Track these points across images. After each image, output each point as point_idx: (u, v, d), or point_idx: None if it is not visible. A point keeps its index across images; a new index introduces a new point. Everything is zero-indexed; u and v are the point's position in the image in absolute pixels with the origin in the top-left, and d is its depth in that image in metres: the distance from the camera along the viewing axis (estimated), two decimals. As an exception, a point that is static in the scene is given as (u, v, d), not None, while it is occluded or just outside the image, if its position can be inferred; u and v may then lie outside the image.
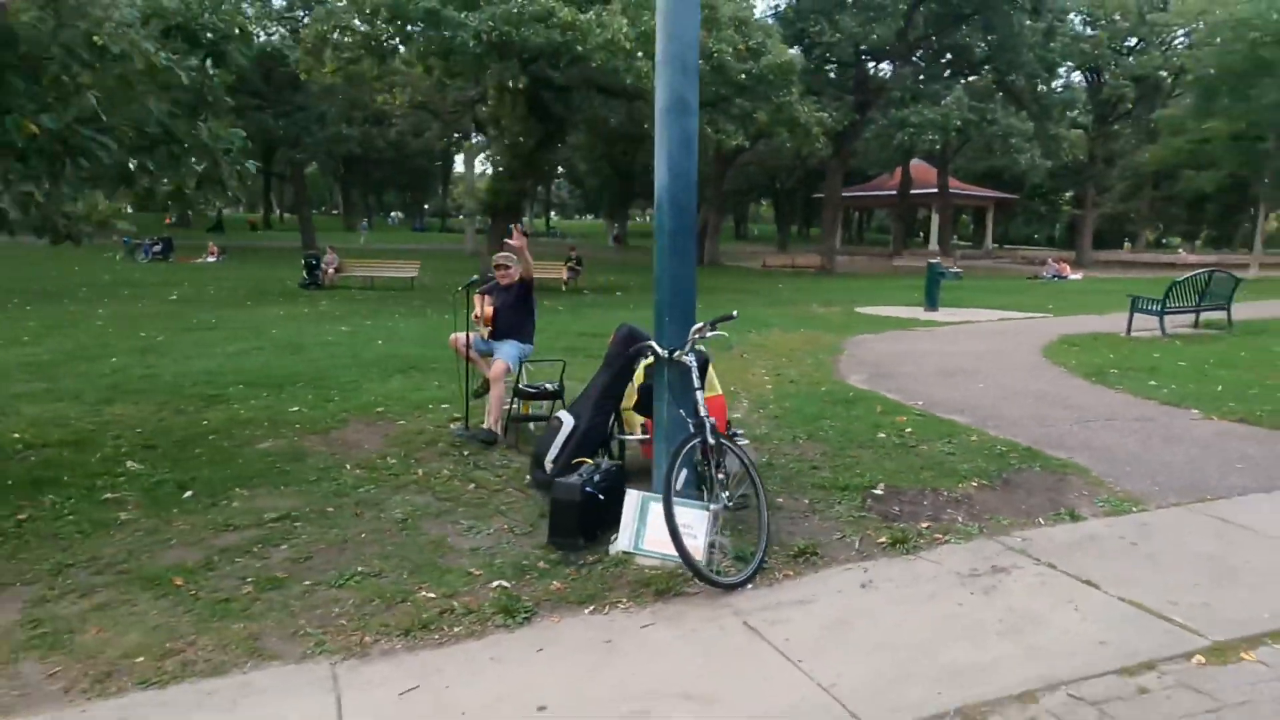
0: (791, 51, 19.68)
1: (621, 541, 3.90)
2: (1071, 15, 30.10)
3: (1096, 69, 36.10)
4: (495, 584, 3.69)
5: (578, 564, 3.90)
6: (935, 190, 41.35)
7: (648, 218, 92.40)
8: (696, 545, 3.66)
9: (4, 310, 13.97)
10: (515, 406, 6.28)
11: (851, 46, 26.12)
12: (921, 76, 29.26)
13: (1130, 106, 36.46)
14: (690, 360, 3.88)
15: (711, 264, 34.13)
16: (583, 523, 4.03)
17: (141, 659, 3.07)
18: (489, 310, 6.38)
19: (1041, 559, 3.91)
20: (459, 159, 58.92)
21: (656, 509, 3.84)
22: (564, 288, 21.47)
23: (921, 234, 52.24)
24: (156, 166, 5.11)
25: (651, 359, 4.10)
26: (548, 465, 4.97)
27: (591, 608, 3.47)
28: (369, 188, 67.94)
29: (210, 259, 28.78)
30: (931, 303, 15.27)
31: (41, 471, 5.36)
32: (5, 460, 5.62)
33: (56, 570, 3.92)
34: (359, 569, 3.89)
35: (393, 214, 78.58)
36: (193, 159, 5.30)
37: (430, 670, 3.01)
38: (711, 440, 3.79)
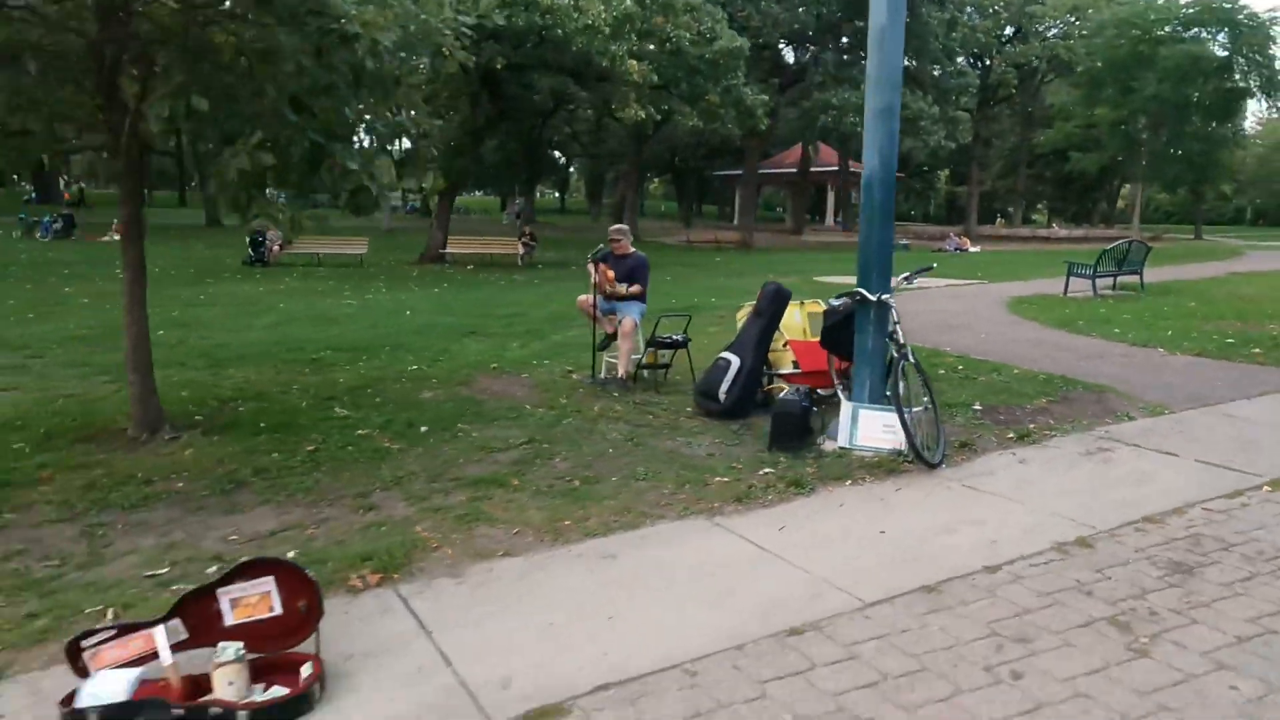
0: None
1: (840, 440, 5.17)
2: (968, 7, 32.93)
3: (982, 56, 39.39)
4: (763, 471, 4.90)
5: (805, 459, 5.14)
6: (836, 169, 44.02)
7: (540, 194, 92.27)
8: (904, 438, 4.96)
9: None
10: (642, 356, 7.41)
11: (775, 30, 27.80)
12: (833, 61, 31.34)
13: (1013, 92, 40.04)
14: (891, 302, 5.18)
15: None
16: (800, 430, 5.28)
17: (567, 522, 4.13)
18: (610, 273, 7.49)
19: (1128, 442, 5.44)
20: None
21: (866, 414, 5.14)
22: (520, 263, 22.29)
23: (810, 212, 54.93)
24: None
25: (846, 302, 5.37)
26: (721, 396, 6.17)
27: (849, 482, 4.74)
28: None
29: (117, 237, 27.76)
30: (883, 271, 17.07)
31: (268, 418, 6.08)
32: (218, 413, 6.29)
33: (395, 481, 4.80)
34: (640, 469, 4.98)
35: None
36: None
37: (779, 520, 4.20)
38: (912, 360, 5.12)
